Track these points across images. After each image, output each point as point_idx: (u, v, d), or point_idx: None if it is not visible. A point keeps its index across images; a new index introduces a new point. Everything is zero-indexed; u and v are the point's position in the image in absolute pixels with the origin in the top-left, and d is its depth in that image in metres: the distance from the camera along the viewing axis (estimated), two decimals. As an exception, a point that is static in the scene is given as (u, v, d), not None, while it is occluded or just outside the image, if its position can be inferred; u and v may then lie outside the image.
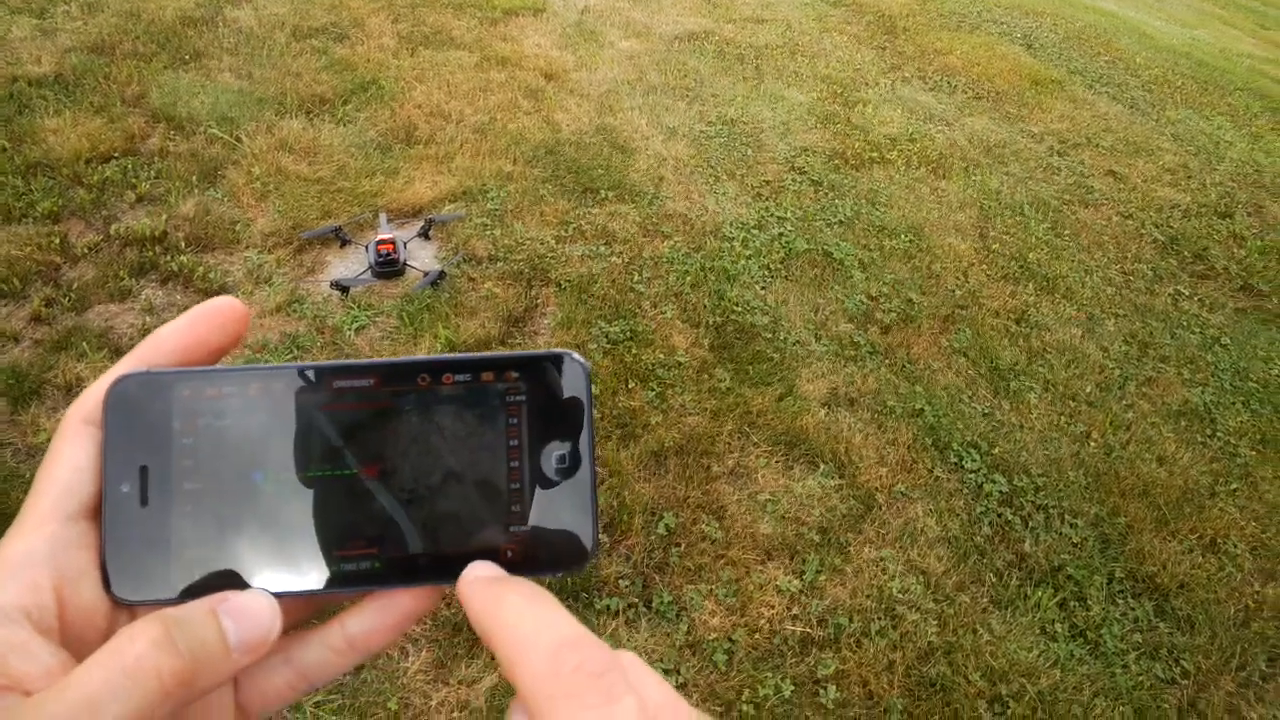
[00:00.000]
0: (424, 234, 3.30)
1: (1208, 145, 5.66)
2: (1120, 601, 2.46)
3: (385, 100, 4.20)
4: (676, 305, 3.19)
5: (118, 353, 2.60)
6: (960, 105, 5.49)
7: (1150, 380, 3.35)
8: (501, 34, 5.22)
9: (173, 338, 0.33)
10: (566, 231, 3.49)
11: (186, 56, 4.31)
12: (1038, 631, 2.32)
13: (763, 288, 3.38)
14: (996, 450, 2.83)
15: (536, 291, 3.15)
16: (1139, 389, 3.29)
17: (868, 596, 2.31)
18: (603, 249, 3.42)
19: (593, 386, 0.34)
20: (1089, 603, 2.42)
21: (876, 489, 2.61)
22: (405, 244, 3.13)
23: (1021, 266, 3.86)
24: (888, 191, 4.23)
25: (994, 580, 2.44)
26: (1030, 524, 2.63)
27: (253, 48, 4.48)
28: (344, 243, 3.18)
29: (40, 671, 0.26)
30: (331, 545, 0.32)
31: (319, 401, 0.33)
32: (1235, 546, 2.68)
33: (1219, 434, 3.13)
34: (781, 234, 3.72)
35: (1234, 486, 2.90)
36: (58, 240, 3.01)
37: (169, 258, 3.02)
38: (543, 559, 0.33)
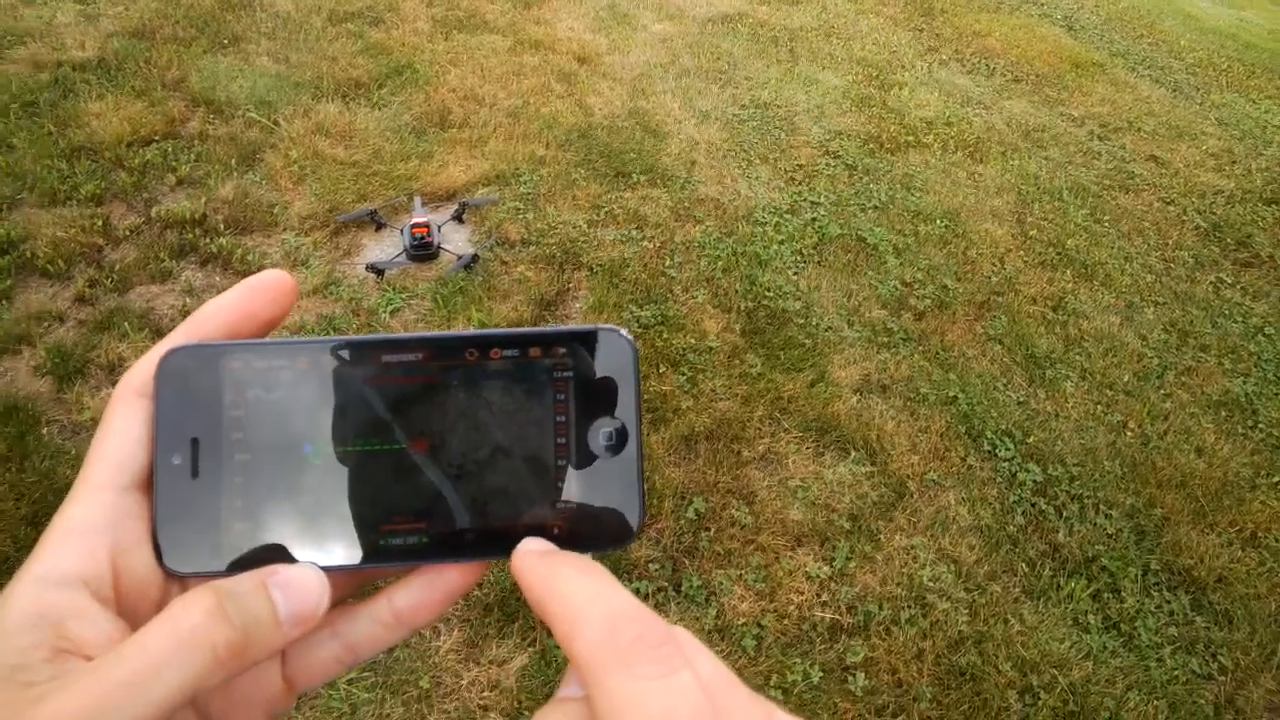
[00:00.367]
0: (458, 217, 3.32)
1: (1254, 130, 5.51)
2: (1155, 594, 2.43)
3: (420, 84, 4.22)
4: (708, 290, 3.18)
5: (159, 333, 2.65)
6: (999, 88, 5.39)
7: (1190, 370, 3.29)
8: (535, 17, 5.21)
9: (223, 310, 0.34)
10: (598, 215, 3.49)
11: (225, 41, 4.36)
12: (1070, 623, 2.30)
13: (795, 273, 3.36)
14: (1031, 439, 2.80)
15: (568, 275, 3.16)
16: (1178, 378, 3.23)
17: (898, 584, 2.30)
18: (634, 233, 3.42)
19: (639, 361, 0.34)
20: (1123, 595, 2.40)
21: (908, 476, 2.60)
22: (439, 227, 3.15)
23: (1059, 253, 3.80)
24: (923, 176, 4.17)
25: (1026, 570, 2.42)
26: (1064, 514, 2.60)
27: (290, 32, 4.52)
28: (379, 226, 3.21)
29: (99, 637, 0.27)
30: (379, 519, 0.33)
31: (368, 375, 0.33)
32: (1276, 540, 2.63)
33: (1261, 425, 3.07)
34: (815, 219, 3.70)
35: (1276, 479, 2.85)
36: (100, 222, 3.07)
37: (208, 240, 3.07)
38: (589, 535, 0.33)
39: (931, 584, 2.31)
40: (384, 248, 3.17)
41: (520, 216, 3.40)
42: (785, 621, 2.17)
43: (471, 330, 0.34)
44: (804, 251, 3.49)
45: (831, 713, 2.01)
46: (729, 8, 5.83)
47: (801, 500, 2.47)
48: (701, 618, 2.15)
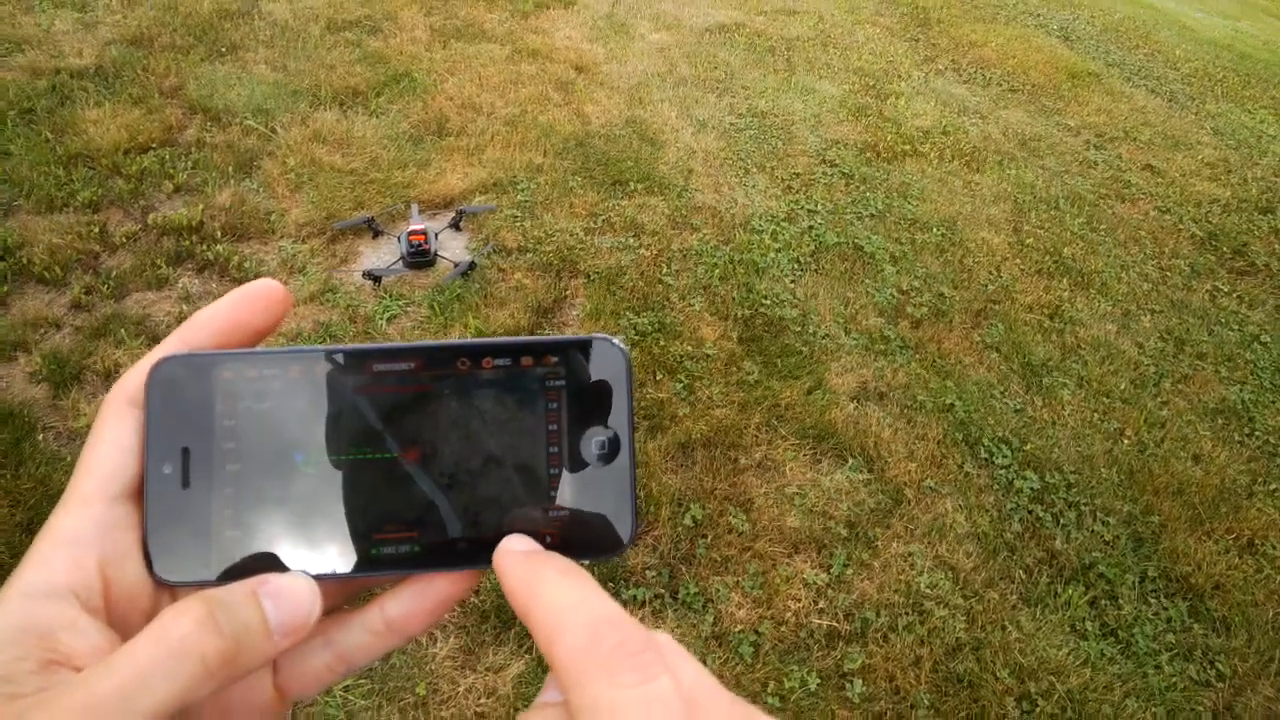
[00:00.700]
0: (455, 225, 3.32)
1: (1249, 139, 5.54)
2: (1153, 601, 2.42)
3: (417, 92, 4.23)
4: (705, 298, 3.19)
5: (155, 340, 2.63)
6: (995, 98, 5.42)
7: (1186, 377, 3.29)
8: (533, 27, 5.23)
9: (215, 319, 0.33)
10: (595, 223, 3.50)
11: (223, 49, 4.37)
12: (1068, 629, 2.30)
13: (792, 281, 3.37)
14: (1028, 446, 2.80)
15: (565, 283, 3.16)
16: (1174, 386, 3.24)
17: (895, 591, 2.29)
18: (631, 241, 3.42)
19: (632, 369, 0.34)
20: (1121, 602, 2.39)
21: (905, 484, 2.59)
22: (436, 235, 3.14)
23: (1056, 261, 3.81)
24: (920, 185, 4.19)
25: (1024, 577, 2.42)
26: (1061, 521, 2.60)
27: (288, 40, 4.53)
28: (376, 233, 3.21)
29: (89, 648, 0.27)
30: (371, 528, 0.32)
31: (359, 384, 0.33)
32: (1274, 548, 2.63)
33: (1257, 433, 3.07)
34: (812, 227, 3.71)
35: (1273, 487, 2.85)
36: (97, 229, 3.07)
37: (205, 247, 3.07)
38: (580, 544, 0.33)
39: (929, 591, 2.31)
40: (381, 255, 3.17)
41: (517, 224, 3.41)
42: (782, 628, 2.16)
43: (463, 339, 0.34)
44: (801, 259, 3.49)
45: (829, 720, 2.00)
46: (726, 17, 5.86)
47: (799, 507, 2.47)
48: (699, 625, 2.14)
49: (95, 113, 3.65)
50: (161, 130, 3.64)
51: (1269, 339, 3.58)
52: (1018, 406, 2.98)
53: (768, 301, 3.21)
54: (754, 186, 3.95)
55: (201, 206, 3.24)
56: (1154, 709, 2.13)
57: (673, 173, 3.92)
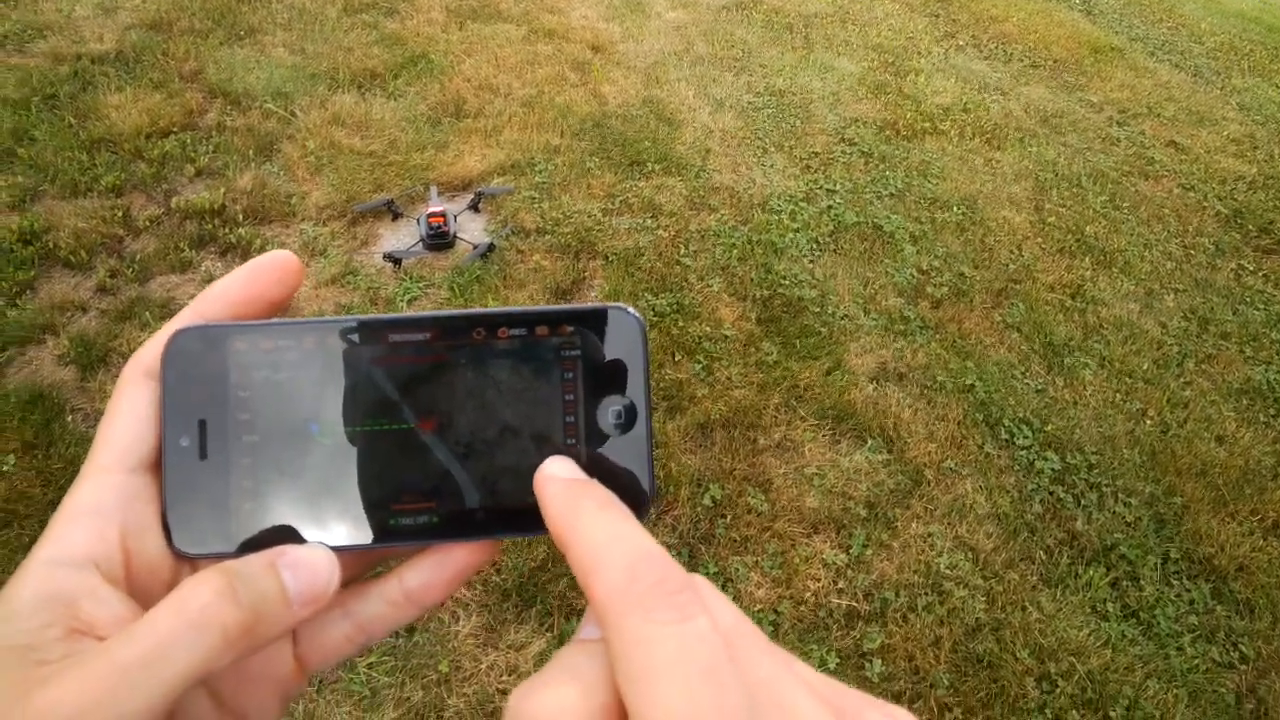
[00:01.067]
0: (473, 207, 3.33)
1: (1277, 115, 5.43)
2: (1175, 583, 2.41)
3: (435, 74, 4.23)
4: (723, 278, 3.18)
5: (179, 323, 2.67)
6: (1016, 74, 5.34)
7: (1210, 357, 3.26)
8: (549, 6, 5.20)
9: (229, 291, 0.34)
10: (613, 204, 3.49)
11: (241, 32, 4.37)
12: (1088, 611, 2.29)
13: (811, 261, 3.35)
14: (1049, 427, 2.79)
15: (584, 264, 3.16)
16: (1198, 366, 3.20)
17: (915, 572, 2.30)
18: (649, 222, 3.41)
19: (648, 339, 0.34)
20: (1142, 583, 2.39)
21: (925, 465, 2.59)
22: (455, 217, 3.16)
23: (1078, 240, 3.77)
24: (940, 163, 4.15)
25: (1044, 558, 2.41)
26: (1083, 502, 2.59)
27: (305, 23, 4.53)
28: (396, 215, 3.23)
29: (111, 618, 0.27)
30: (388, 499, 0.33)
31: (375, 355, 0.33)
32: (1297, 528, 2.61)
33: (1283, 413, 3.05)
34: (830, 206, 3.68)
35: (1297, 467, 2.83)
36: (121, 213, 3.10)
37: (227, 230, 3.09)
38: None
39: (949, 571, 2.31)
40: (401, 237, 3.18)
41: (535, 206, 3.41)
42: (802, 608, 2.18)
43: (478, 309, 0.34)
44: (820, 239, 3.48)
45: (848, 699, 2.01)
46: (744, -5, 5.80)
47: (818, 488, 2.47)
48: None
49: (117, 98, 3.68)
50: (182, 114, 3.66)
51: (1295, 318, 3.54)
52: (1039, 387, 2.96)
53: (786, 282, 3.20)
54: (772, 166, 3.93)
55: (223, 190, 3.27)
56: (1175, 691, 2.13)
57: (690, 153, 3.91)
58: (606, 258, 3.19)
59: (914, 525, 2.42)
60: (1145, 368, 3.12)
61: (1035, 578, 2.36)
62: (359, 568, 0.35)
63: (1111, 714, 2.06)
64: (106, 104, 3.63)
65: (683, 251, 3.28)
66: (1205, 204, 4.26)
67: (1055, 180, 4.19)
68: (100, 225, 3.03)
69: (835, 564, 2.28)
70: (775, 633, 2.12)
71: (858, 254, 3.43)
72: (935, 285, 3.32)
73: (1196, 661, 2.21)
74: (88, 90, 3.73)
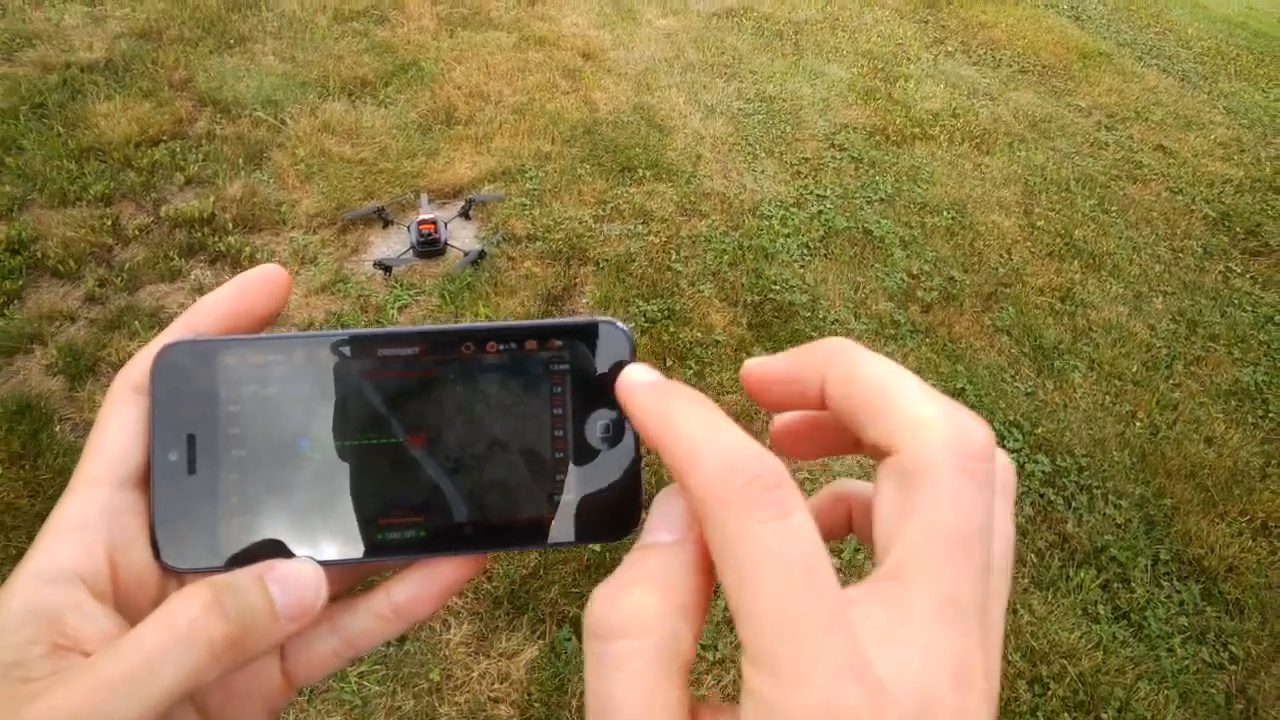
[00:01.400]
0: (464, 214, 3.33)
1: (1263, 119, 5.47)
2: (1165, 584, 2.42)
3: (425, 82, 4.23)
4: (714, 284, 3.19)
5: (169, 332, 2.66)
6: (1005, 79, 5.37)
7: (1199, 359, 3.28)
8: (539, 14, 5.22)
9: (219, 305, 0.34)
10: (604, 211, 3.50)
11: (231, 41, 4.37)
12: (1080, 613, 2.30)
13: (801, 266, 3.36)
14: (1039, 430, 2.80)
15: (575, 270, 3.17)
16: (1187, 368, 3.22)
17: (907, 575, 2.30)
18: (640, 228, 3.42)
19: (636, 354, 0.34)
20: (1133, 585, 2.39)
21: (916, 468, 2.59)
22: (446, 224, 3.16)
23: (1067, 244, 3.79)
24: (930, 168, 4.17)
25: (1035, 561, 2.42)
26: (1073, 504, 2.59)
27: (295, 31, 4.53)
28: (386, 223, 3.23)
29: (97, 633, 0.27)
30: (376, 513, 0.33)
31: (364, 369, 0.33)
32: (1286, 529, 2.63)
33: (1271, 414, 3.06)
34: (821, 212, 3.70)
35: (1286, 468, 2.84)
36: (110, 222, 3.09)
37: (217, 239, 3.08)
38: (587, 527, 0.33)
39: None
40: (391, 245, 3.18)
41: (526, 212, 3.41)
42: (794, 613, 2.17)
43: (467, 324, 0.34)
44: (810, 245, 3.49)
45: (841, 703, 2.01)
46: (733, 1, 5.82)
47: (810, 493, 2.47)
48: (712, 610, 2.15)
49: (106, 106, 3.67)
50: (172, 123, 3.66)
51: (1283, 320, 3.56)
52: (1029, 390, 2.97)
53: (777, 287, 3.21)
54: (763, 172, 3.94)
55: (213, 198, 3.26)
56: (1166, 692, 2.13)
57: (681, 159, 3.92)
58: (598, 264, 3.20)
59: (905, 529, 2.42)
60: (1134, 370, 3.14)
61: (1027, 580, 2.36)
62: (347, 582, 0.36)
63: (1103, 716, 2.07)
64: (95, 113, 3.62)
65: (674, 257, 3.29)
66: (1193, 207, 4.28)
67: (1044, 184, 4.21)
68: (89, 234, 3.02)
69: (827, 568, 2.28)
70: (767, 638, 2.11)
71: (848, 259, 3.44)
72: (925, 289, 3.33)
73: (1187, 662, 2.21)
74: (77, 99, 3.72)
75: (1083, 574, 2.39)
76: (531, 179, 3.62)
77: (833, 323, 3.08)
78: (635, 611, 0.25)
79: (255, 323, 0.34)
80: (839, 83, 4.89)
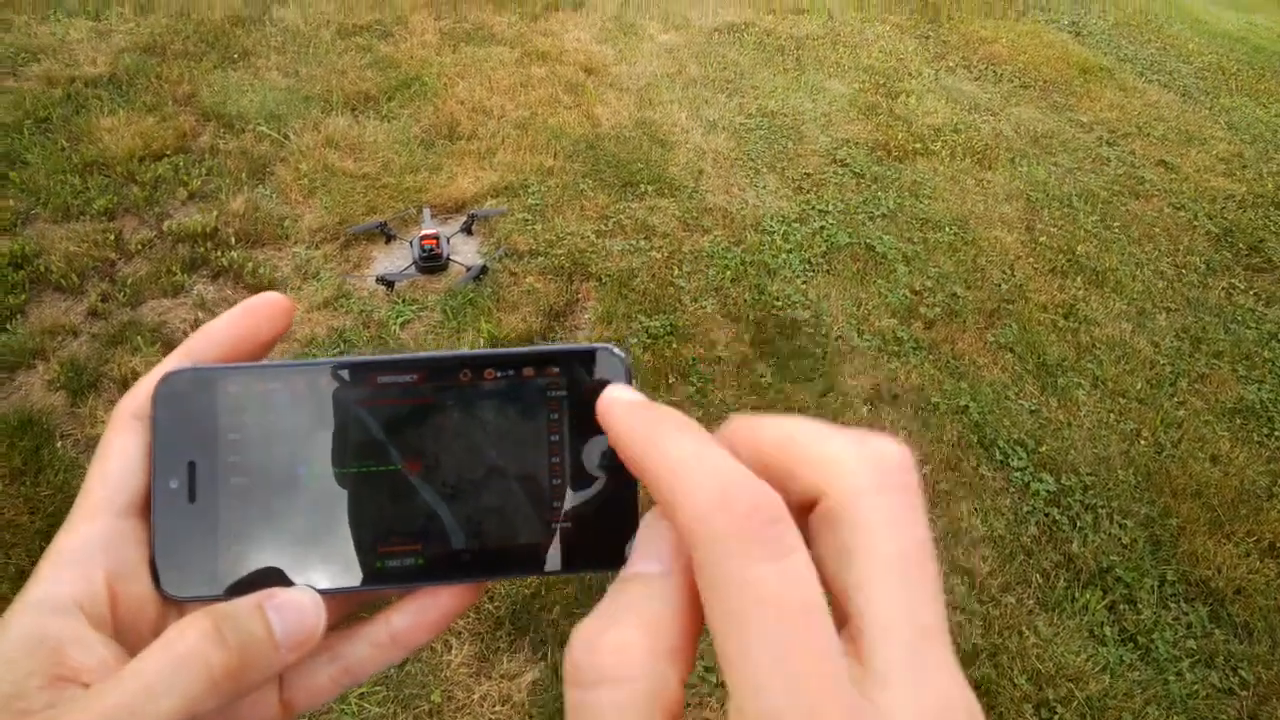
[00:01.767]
0: (466, 229, 3.33)
1: (1265, 134, 5.48)
2: (1173, 605, 2.40)
3: (428, 96, 4.24)
4: (717, 300, 3.18)
5: (170, 346, 2.62)
6: (1006, 94, 5.38)
7: (1203, 377, 3.27)
8: (542, 29, 5.23)
9: (221, 332, 0.34)
10: (606, 226, 3.50)
11: (235, 55, 4.39)
12: (1086, 635, 2.28)
13: (804, 282, 3.36)
14: (1044, 448, 2.79)
15: (577, 286, 3.16)
16: (1191, 386, 3.21)
17: (911, 596, 2.28)
18: (643, 243, 3.42)
19: (634, 381, 0.33)
20: (1140, 606, 2.38)
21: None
22: (448, 239, 3.16)
23: (1070, 260, 3.78)
24: (932, 183, 4.17)
25: (1040, 581, 2.40)
26: (1078, 524, 2.58)
27: (299, 46, 4.55)
28: (389, 238, 3.23)
29: (96, 663, 0.27)
30: (375, 541, 0.33)
31: (362, 396, 0.33)
32: (1293, 549, 2.61)
33: (1277, 433, 3.05)
34: (823, 227, 3.69)
35: (1292, 487, 2.82)
36: (113, 237, 3.09)
37: (220, 253, 3.08)
38: (586, 555, 0.33)
39: (945, 597, 2.29)
40: (394, 260, 3.18)
41: (529, 227, 3.41)
42: (798, 634, 2.16)
43: (466, 350, 0.34)
44: (813, 260, 3.48)
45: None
46: (735, 17, 5.84)
47: (813, 511, 2.46)
48: (711, 641, 2.14)
49: (110, 120, 3.68)
50: (175, 137, 3.66)
51: (1287, 337, 3.55)
52: (1033, 407, 2.96)
53: (780, 303, 3.20)
54: (765, 187, 3.94)
55: (216, 213, 3.26)
56: (1176, 717, 2.11)
57: (683, 174, 3.92)
58: (600, 279, 3.19)
59: (910, 549, 2.40)
60: (1139, 387, 3.13)
61: (1032, 601, 2.35)
62: (345, 610, 0.35)
63: (1110, 740, 2.05)
64: (99, 127, 3.63)
65: (676, 273, 3.29)
66: (1196, 223, 4.28)
67: (1046, 200, 4.21)
68: (92, 249, 3.02)
69: (831, 589, 2.27)
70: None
71: (851, 275, 3.43)
72: (928, 306, 3.32)
73: (1196, 687, 2.19)
74: (81, 113, 3.73)
75: (1088, 595, 2.37)
76: (534, 194, 3.62)
77: (836, 339, 3.08)
78: (618, 655, 0.23)
79: (257, 349, 0.34)
80: (840, 98, 4.90)
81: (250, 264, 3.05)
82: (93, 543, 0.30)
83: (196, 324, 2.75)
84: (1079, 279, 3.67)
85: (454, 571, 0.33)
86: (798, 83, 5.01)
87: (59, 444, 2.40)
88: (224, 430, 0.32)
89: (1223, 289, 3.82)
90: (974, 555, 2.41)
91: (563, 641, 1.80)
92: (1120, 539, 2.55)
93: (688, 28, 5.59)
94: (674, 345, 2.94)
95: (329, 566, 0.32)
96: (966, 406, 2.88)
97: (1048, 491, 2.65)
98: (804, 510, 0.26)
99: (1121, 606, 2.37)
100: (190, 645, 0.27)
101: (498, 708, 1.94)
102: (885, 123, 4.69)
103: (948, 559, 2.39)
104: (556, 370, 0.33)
